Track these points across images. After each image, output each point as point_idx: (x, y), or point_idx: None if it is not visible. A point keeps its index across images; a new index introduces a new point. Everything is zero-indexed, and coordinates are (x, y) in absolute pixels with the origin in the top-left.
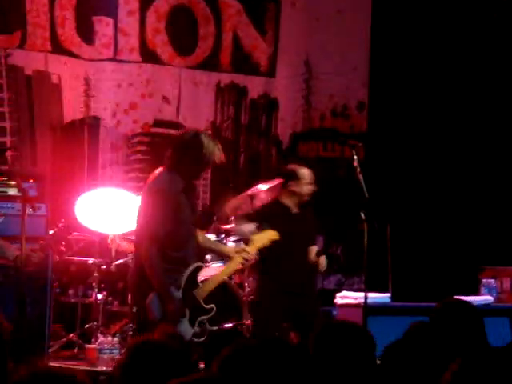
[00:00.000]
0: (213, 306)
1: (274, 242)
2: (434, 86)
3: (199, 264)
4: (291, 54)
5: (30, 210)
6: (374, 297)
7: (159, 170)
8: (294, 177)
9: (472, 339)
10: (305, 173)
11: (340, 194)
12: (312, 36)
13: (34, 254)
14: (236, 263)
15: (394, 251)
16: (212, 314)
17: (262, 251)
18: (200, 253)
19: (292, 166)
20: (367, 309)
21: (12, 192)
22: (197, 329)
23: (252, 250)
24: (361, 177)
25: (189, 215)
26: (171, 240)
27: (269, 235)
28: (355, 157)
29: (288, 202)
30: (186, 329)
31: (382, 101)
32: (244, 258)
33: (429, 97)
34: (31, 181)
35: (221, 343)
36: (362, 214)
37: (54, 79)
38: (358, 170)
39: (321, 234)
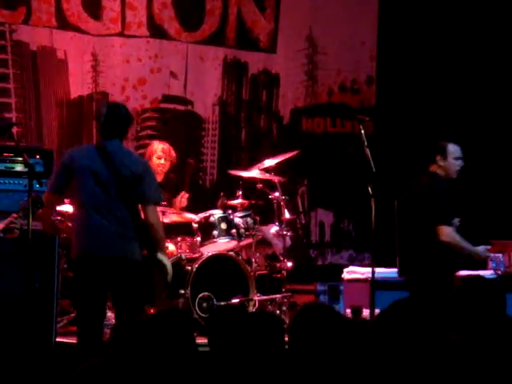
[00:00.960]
0: None
1: None
2: (444, 59)
3: None
4: (293, 30)
5: (36, 186)
6: (382, 272)
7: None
8: (442, 151)
9: (492, 314)
10: (453, 148)
11: (351, 170)
12: (317, 10)
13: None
14: None
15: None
16: None
17: None
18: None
19: (442, 142)
20: (375, 283)
21: (19, 168)
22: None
23: None
24: (368, 151)
25: None
26: None
27: None
28: (362, 131)
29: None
30: None
31: (391, 75)
32: None
33: (438, 70)
34: (38, 157)
35: (227, 318)
36: (370, 189)
37: (60, 55)
38: (365, 144)
39: (331, 210)
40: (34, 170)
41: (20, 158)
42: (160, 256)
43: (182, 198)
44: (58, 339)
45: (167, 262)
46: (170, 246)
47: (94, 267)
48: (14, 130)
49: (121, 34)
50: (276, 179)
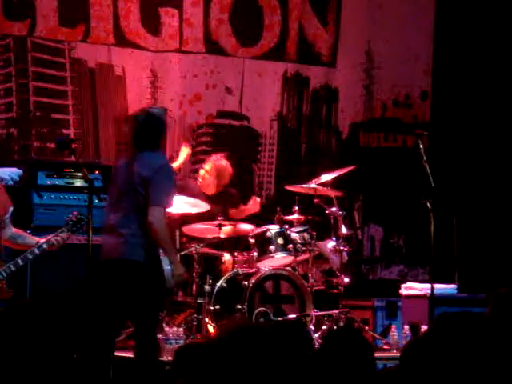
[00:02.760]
0: None
1: None
2: (500, 74)
3: None
4: (352, 44)
5: (96, 201)
6: (441, 288)
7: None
8: None
9: None
10: None
11: (401, 185)
12: (374, 24)
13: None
14: None
15: (460, 242)
16: None
17: None
18: None
19: None
20: (434, 300)
21: (78, 183)
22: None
23: None
24: (427, 166)
25: None
26: None
27: None
28: (421, 146)
29: None
30: None
31: (447, 89)
32: None
33: (495, 85)
34: (97, 172)
35: (284, 334)
36: (428, 204)
37: (118, 71)
38: (424, 158)
39: (381, 225)
40: (94, 186)
41: (80, 174)
42: (163, 259)
43: (255, 204)
44: (116, 353)
45: (167, 267)
46: (226, 256)
47: (104, 271)
48: (73, 146)
49: (178, 50)
50: (333, 194)
